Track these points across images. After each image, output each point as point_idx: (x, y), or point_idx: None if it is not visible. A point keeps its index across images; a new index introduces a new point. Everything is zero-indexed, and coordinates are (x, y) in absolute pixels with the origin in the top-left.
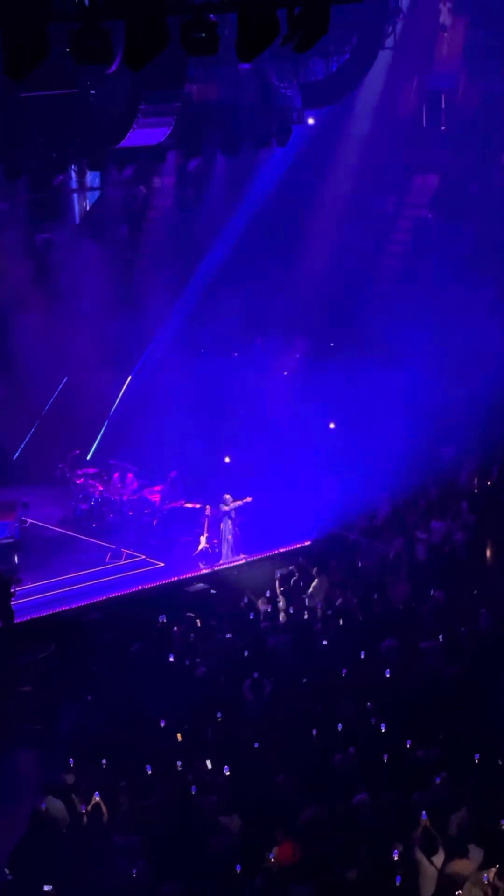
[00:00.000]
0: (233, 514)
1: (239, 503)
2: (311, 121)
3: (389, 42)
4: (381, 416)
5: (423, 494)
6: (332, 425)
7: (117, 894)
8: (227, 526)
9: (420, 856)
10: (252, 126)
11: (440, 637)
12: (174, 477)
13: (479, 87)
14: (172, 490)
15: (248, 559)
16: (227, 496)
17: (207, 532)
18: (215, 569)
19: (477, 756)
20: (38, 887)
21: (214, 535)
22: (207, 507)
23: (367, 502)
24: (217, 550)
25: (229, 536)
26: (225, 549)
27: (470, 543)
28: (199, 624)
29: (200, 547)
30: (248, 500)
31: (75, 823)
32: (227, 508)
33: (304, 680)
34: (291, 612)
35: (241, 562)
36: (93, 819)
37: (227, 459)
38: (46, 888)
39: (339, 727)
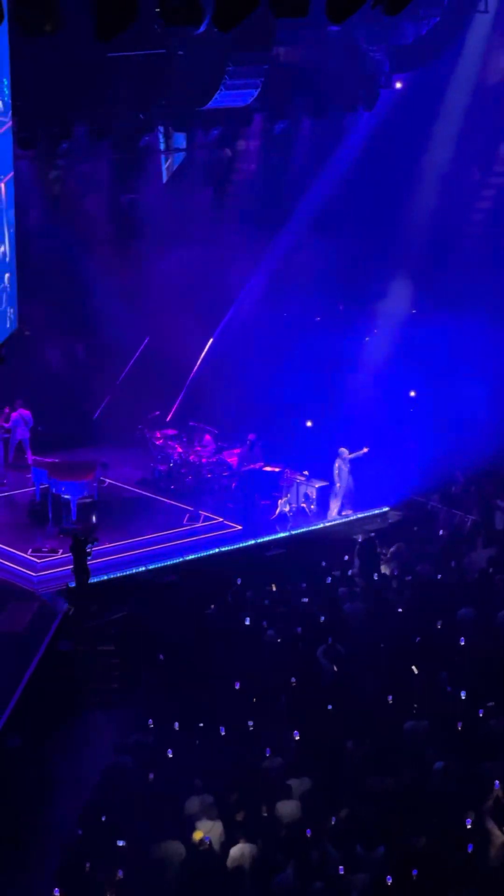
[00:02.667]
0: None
1: (357, 454)
2: (398, 85)
3: (481, 6)
4: (463, 382)
5: (503, 463)
6: (412, 393)
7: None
8: (342, 478)
9: (491, 826)
10: (339, 89)
11: None
12: (253, 440)
13: None
14: (251, 453)
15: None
16: (343, 449)
17: (287, 496)
18: (307, 527)
19: None
20: (108, 844)
21: (294, 500)
22: (287, 470)
23: (446, 470)
24: (291, 514)
25: (342, 489)
26: (339, 495)
27: None
28: (274, 588)
29: (279, 511)
30: (365, 450)
31: (147, 782)
32: (345, 458)
33: (381, 646)
34: (369, 578)
35: (350, 516)
36: (165, 778)
37: (308, 423)
38: (120, 843)
39: (414, 693)
